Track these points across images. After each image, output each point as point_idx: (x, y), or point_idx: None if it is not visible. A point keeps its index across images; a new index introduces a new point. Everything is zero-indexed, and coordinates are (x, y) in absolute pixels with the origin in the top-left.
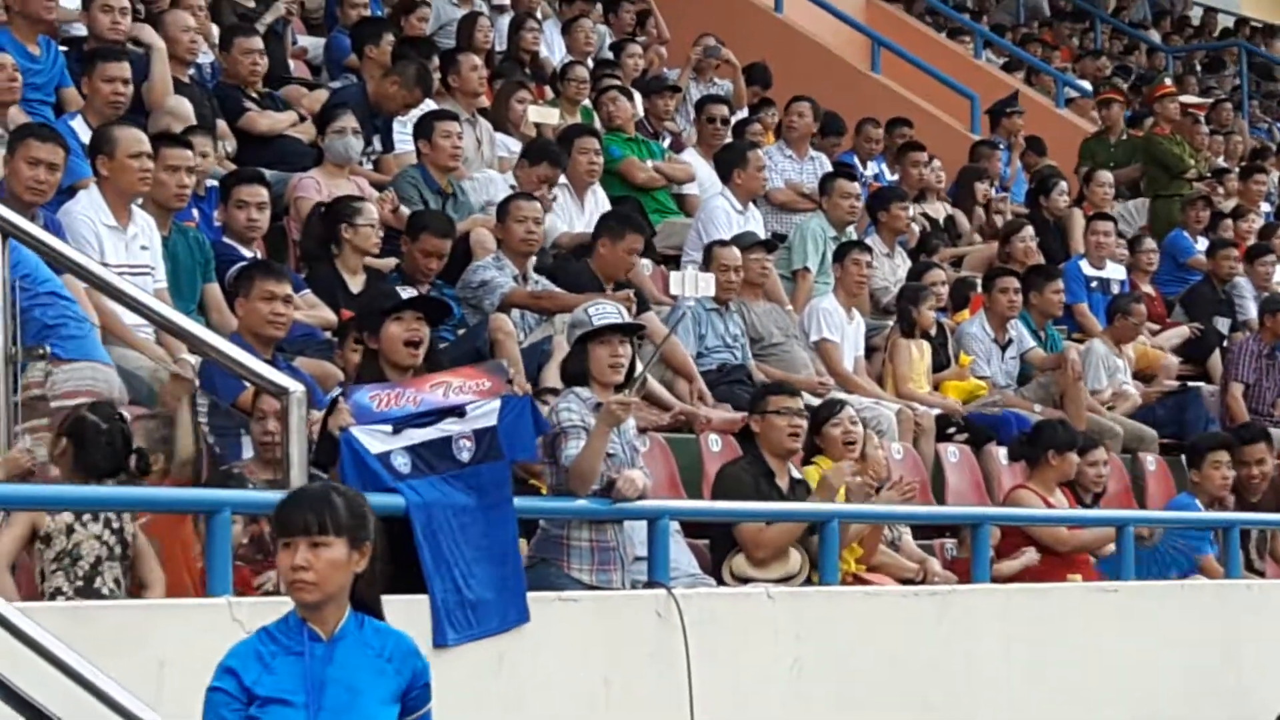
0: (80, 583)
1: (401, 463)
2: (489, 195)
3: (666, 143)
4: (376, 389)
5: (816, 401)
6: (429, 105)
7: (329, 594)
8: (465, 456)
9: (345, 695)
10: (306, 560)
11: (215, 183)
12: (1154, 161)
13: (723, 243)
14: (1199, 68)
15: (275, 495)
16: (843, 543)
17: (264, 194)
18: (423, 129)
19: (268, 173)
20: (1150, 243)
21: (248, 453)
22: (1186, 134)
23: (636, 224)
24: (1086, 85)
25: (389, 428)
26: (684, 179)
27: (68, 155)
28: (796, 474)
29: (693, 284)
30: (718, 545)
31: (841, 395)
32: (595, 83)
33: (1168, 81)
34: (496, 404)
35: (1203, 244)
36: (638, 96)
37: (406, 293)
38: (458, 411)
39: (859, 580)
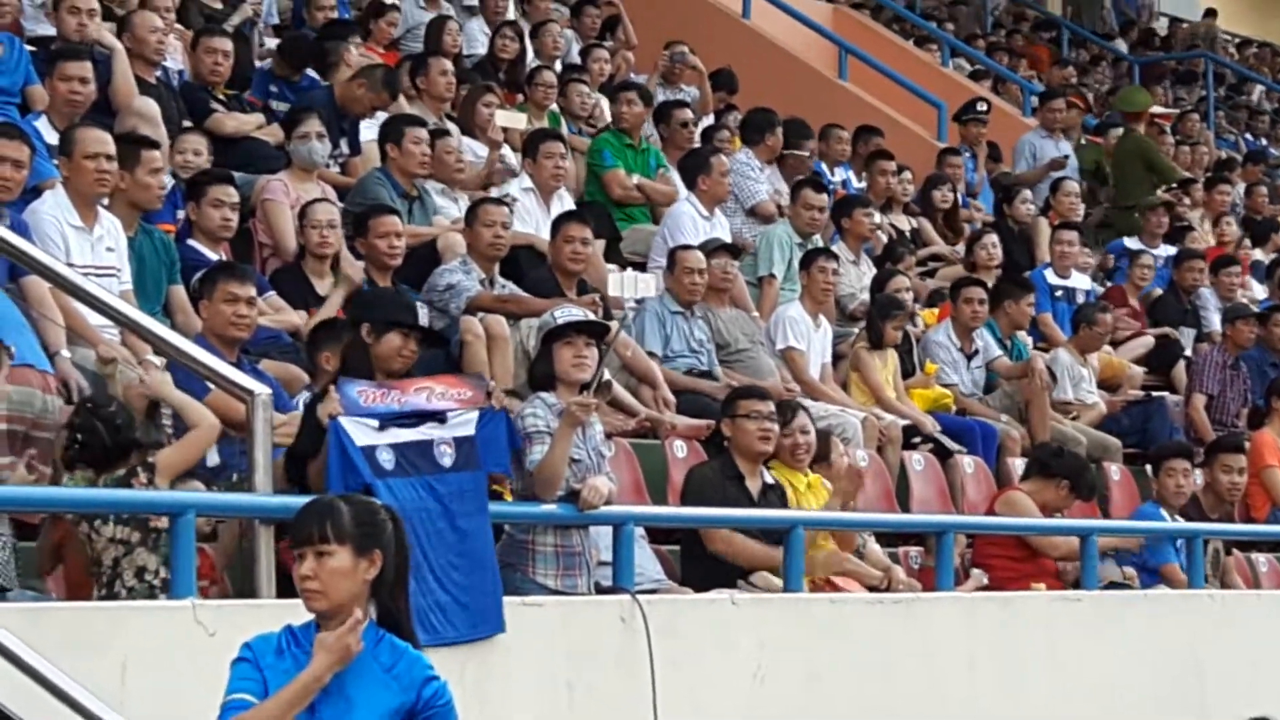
0: (104, 590)
1: (386, 459)
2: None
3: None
4: (365, 385)
5: None
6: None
7: (337, 602)
8: (446, 462)
9: (342, 704)
10: (312, 569)
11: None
12: (1146, 166)
13: (686, 246)
14: (1171, 82)
15: (238, 498)
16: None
17: (235, 195)
18: (392, 133)
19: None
20: (1147, 258)
21: (212, 456)
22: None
23: (578, 215)
24: (1039, 86)
25: (375, 423)
26: (664, 201)
27: (33, 154)
28: (769, 479)
29: (632, 285)
30: (689, 549)
31: (806, 402)
32: (563, 88)
33: (1156, 109)
34: (475, 415)
35: (1164, 250)
36: (604, 101)
37: (425, 315)
38: (438, 417)
39: (830, 584)
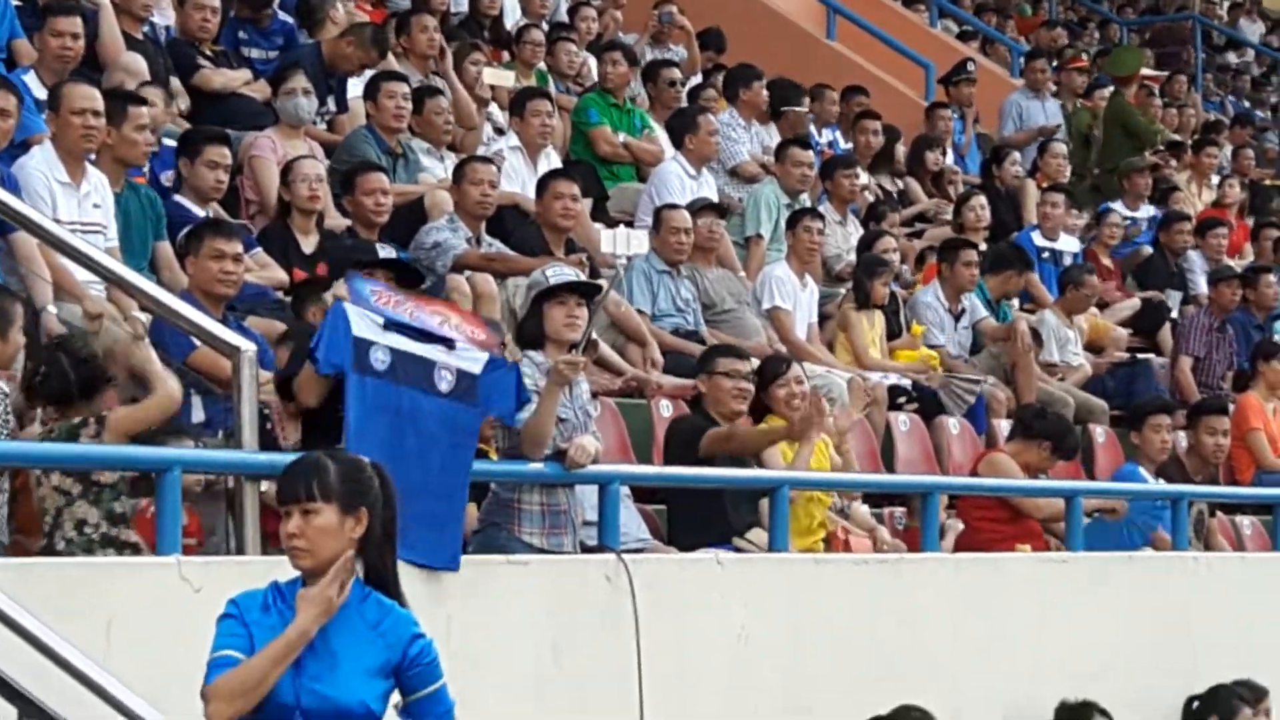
0: (45, 539)
1: (380, 359)
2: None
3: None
4: (379, 286)
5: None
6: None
7: (323, 560)
8: (444, 387)
9: (327, 659)
10: (298, 527)
11: (173, 142)
12: (1124, 131)
13: (672, 206)
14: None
15: (224, 454)
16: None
17: (230, 156)
18: (369, 90)
19: None
20: (1115, 216)
21: (198, 413)
22: (1141, 106)
23: (565, 172)
24: (1023, 44)
25: (381, 320)
26: (650, 161)
27: (20, 104)
28: None
29: (624, 242)
30: (675, 510)
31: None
32: (550, 46)
33: (1145, 70)
34: (484, 356)
35: (1145, 212)
36: (592, 60)
37: (385, 252)
38: (447, 343)
39: (844, 543)
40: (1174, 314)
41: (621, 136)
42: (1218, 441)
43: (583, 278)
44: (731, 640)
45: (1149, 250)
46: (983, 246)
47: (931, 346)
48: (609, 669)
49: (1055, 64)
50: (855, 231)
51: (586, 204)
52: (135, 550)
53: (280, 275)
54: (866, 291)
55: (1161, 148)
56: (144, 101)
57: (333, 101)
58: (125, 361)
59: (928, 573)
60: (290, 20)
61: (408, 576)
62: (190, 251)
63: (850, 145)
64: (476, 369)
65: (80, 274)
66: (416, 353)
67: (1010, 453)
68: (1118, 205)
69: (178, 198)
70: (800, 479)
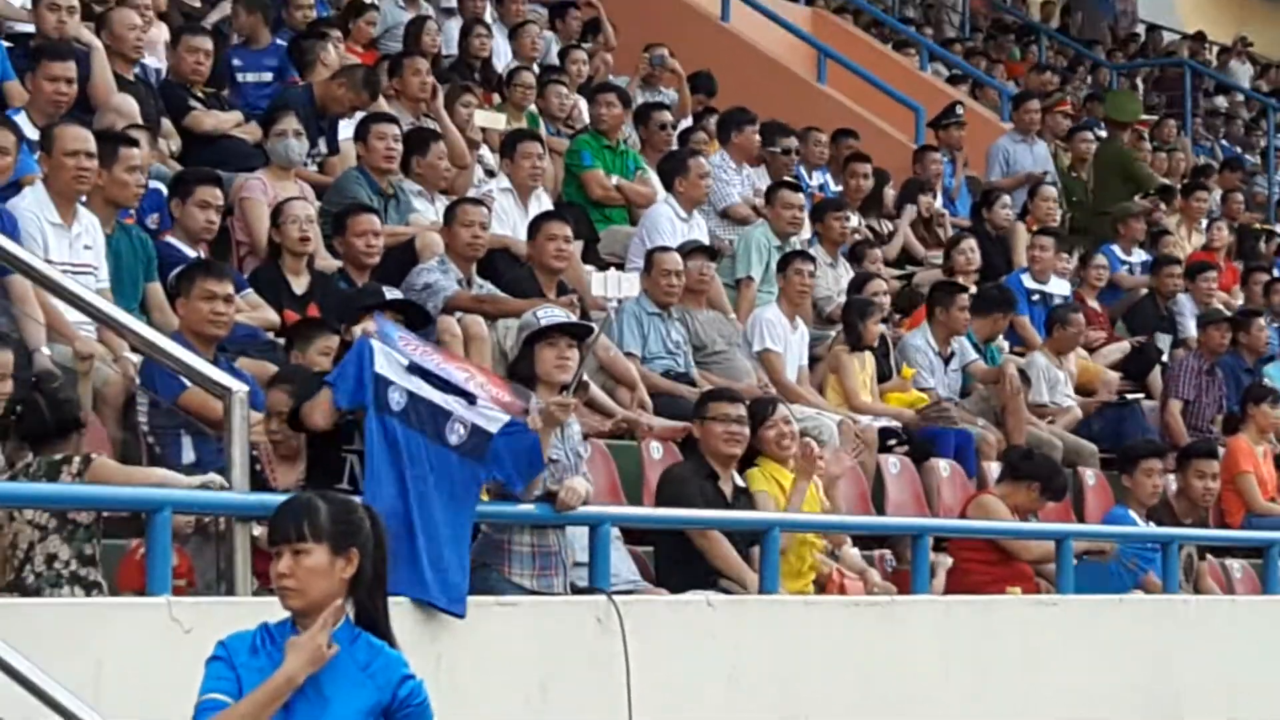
0: (11, 575)
1: (397, 399)
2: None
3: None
4: (406, 333)
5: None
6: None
7: (313, 600)
8: (454, 440)
9: (318, 702)
10: (289, 567)
11: (160, 184)
12: (1121, 176)
13: (663, 248)
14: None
15: (215, 495)
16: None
17: (221, 197)
18: (360, 131)
19: None
20: (1101, 259)
21: (188, 453)
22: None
23: (558, 214)
24: (1012, 87)
25: (405, 361)
26: (642, 203)
27: (18, 142)
28: (740, 482)
29: (615, 285)
30: (663, 550)
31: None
32: (541, 89)
33: (1143, 116)
34: (504, 418)
35: (1138, 256)
36: (583, 102)
37: (392, 293)
38: (468, 397)
39: (839, 586)
40: (1164, 357)
41: (614, 179)
42: (1207, 485)
43: (574, 319)
44: (722, 682)
45: (1142, 293)
46: (973, 289)
47: (922, 389)
48: (600, 711)
49: (1042, 106)
50: (846, 274)
51: (577, 246)
52: (101, 593)
53: (271, 316)
54: (859, 333)
55: (1152, 192)
56: (135, 143)
57: (324, 143)
58: (115, 403)
59: (918, 615)
60: (285, 43)
61: (399, 616)
62: (181, 292)
63: (841, 188)
64: (493, 428)
65: (71, 315)
66: (434, 400)
67: (999, 495)
68: (1115, 249)
69: (169, 238)
70: (790, 521)
